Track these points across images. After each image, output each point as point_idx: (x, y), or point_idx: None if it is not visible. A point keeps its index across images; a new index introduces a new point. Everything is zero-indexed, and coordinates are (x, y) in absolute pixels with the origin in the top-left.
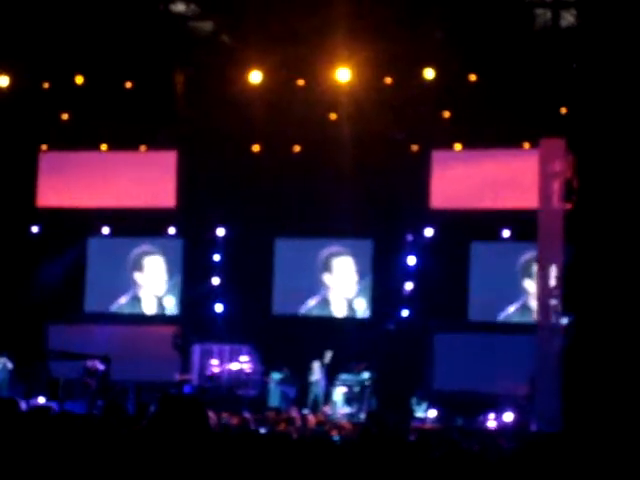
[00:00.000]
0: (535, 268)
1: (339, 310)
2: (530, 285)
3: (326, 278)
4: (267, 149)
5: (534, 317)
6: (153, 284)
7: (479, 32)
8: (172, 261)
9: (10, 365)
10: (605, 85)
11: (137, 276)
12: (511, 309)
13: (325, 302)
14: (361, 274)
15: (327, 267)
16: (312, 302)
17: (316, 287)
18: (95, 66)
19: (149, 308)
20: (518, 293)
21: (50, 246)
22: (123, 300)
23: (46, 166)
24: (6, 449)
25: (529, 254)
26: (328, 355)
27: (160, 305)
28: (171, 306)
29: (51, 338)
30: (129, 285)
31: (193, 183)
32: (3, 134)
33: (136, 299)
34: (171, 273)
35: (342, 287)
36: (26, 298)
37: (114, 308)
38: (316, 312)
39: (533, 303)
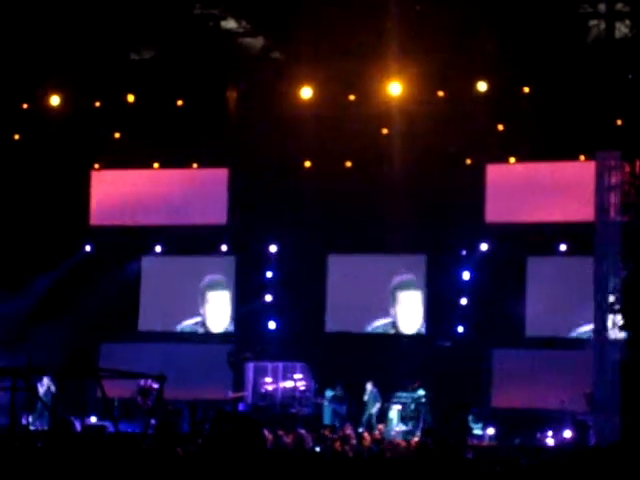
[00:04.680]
0: None
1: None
2: None
3: (392, 310)
4: (319, 165)
5: None
6: (217, 317)
7: (532, 44)
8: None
9: (54, 387)
10: None
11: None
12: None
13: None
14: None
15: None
16: (378, 323)
17: (370, 303)
18: (146, 84)
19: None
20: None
21: (103, 264)
22: (188, 322)
23: (99, 184)
24: (63, 468)
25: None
26: (369, 387)
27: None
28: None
29: (104, 357)
30: (187, 304)
31: (245, 200)
32: (56, 153)
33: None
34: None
35: (409, 318)
36: (80, 317)
37: (179, 329)
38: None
39: None
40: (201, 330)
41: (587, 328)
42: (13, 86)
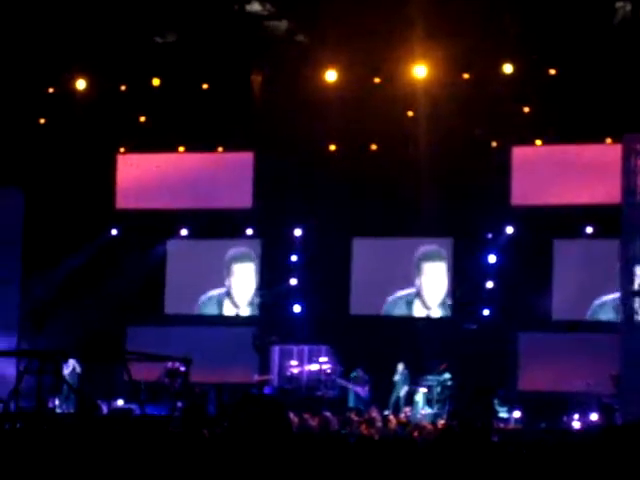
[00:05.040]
0: None
1: (423, 311)
2: None
3: (417, 281)
4: (343, 148)
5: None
6: (242, 289)
7: (558, 25)
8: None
9: (79, 368)
10: None
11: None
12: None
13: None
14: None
15: (419, 270)
16: (402, 293)
17: (394, 285)
18: (171, 68)
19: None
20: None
21: (129, 248)
22: (214, 292)
23: (124, 168)
24: (89, 450)
25: None
26: (400, 368)
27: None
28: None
29: (130, 340)
30: (213, 284)
31: (270, 183)
32: (81, 137)
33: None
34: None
35: (433, 290)
36: (106, 300)
37: (202, 299)
38: (400, 307)
39: None
40: (226, 300)
41: (606, 298)
42: (39, 70)
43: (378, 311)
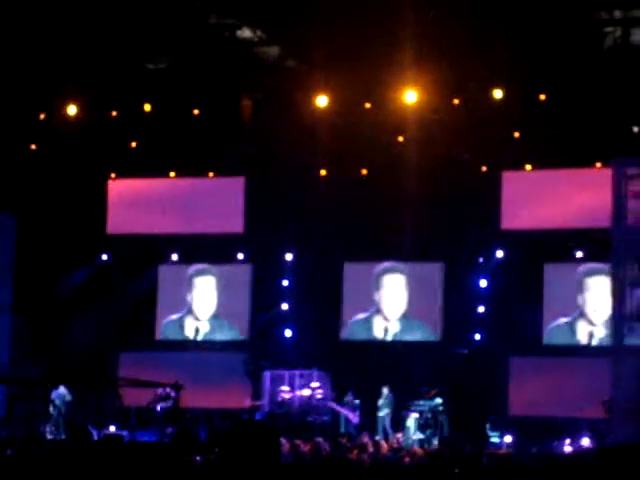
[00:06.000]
0: (589, 282)
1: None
2: (583, 300)
3: (375, 295)
4: (334, 173)
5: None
6: (203, 304)
7: (547, 51)
8: (232, 284)
9: (69, 397)
10: None
11: (188, 296)
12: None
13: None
14: (414, 293)
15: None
16: (361, 316)
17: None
18: (162, 94)
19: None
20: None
21: (120, 273)
22: (173, 317)
23: (115, 193)
24: (80, 476)
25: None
26: (385, 391)
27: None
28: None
29: (123, 366)
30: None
31: (261, 208)
32: (72, 163)
33: (183, 319)
34: (222, 294)
35: (393, 303)
36: (97, 326)
37: (163, 323)
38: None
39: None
40: (187, 319)
41: (561, 320)
42: (30, 96)
43: (369, 336)
